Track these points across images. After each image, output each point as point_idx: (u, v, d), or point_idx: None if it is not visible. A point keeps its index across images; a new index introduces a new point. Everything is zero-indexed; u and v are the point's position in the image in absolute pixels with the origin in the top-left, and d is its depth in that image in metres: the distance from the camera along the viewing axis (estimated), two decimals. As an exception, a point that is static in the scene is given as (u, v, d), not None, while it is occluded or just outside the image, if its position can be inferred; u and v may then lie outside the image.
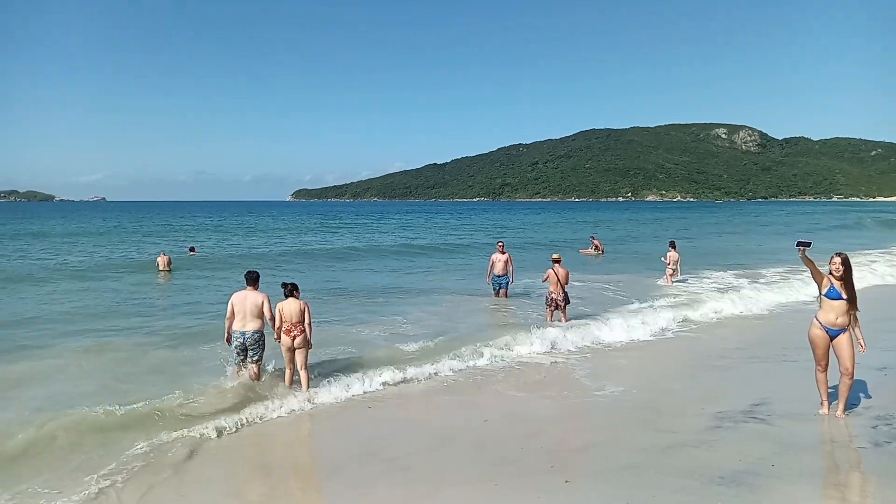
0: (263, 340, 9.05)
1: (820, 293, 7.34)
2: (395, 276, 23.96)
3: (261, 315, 8.99)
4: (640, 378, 9.95)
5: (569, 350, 11.71)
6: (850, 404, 7.57)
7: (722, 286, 19.53)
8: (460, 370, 10.35)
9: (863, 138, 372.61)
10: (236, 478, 6.63)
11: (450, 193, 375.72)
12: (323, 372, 9.63)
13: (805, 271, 9.75)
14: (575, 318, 13.74)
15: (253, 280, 9.20)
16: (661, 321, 13.79)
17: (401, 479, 6.35)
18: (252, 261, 28.09)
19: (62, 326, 13.72)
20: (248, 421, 7.94)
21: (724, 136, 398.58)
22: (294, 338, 8.92)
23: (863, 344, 7.32)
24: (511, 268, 17.06)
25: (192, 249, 31.27)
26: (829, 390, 7.60)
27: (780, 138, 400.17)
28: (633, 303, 16.00)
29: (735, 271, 23.09)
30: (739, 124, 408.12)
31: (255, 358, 9.04)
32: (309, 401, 8.67)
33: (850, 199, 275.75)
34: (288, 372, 9.17)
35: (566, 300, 13.61)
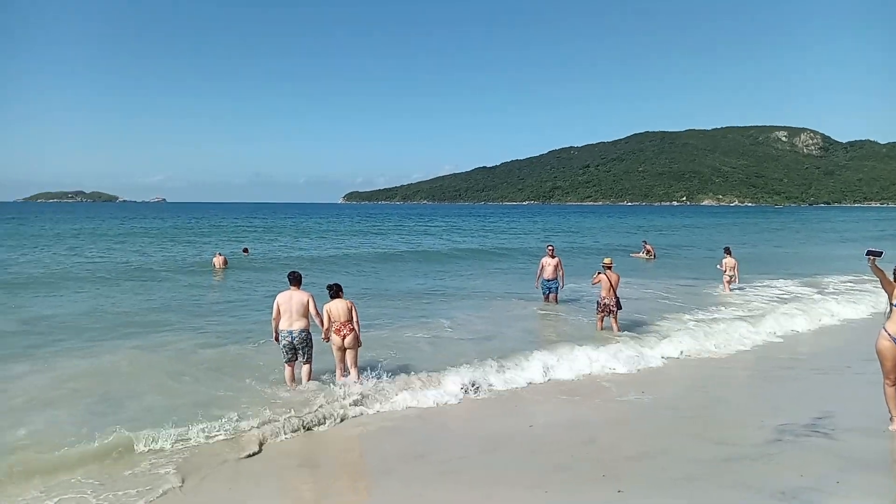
0: (311, 339, 9.23)
1: (890, 303, 7.00)
2: (441, 279, 23.97)
3: (307, 314, 9.16)
4: (696, 387, 9.71)
5: (620, 371, 10.75)
6: (923, 421, 7.18)
7: (783, 295, 18.87)
8: (506, 379, 10.02)
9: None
10: (287, 476, 6.72)
11: (499, 196, 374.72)
12: (369, 375, 9.70)
13: (873, 280, 9.32)
14: (628, 329, 13.44)
15: (296, 280, 9.35)
16: (717, 330, 13.39)
17: (451, 482, 6.34)
18: (301, 262, 28.63)
19: (119, 325, 14.12)
20: (300, 421, 8.03)
21: (784, 138, 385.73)
22: (344, 337, 9.08)
23: None
24: (561, 272, 16.86)
25: (245, 250, 32.04)
26: (900, 405, 7.22)
27: (843, 141, 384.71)
28: (689, 311, 15.61)
29: (797, 280, 22.28)
30: (801, 127, 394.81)
31: (305, 357, 9.21)
32: (357, 403, 8.70)
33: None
34: (339, 371, 9.33)
35: (618, 305, 13.35)
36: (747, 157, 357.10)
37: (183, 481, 6.29)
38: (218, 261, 26.25)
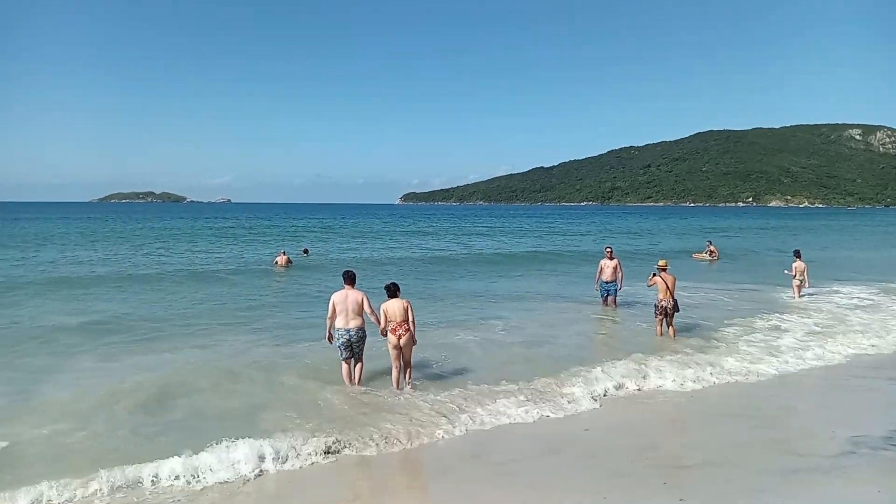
0: (365, 336, 9.42)
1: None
2: (494, 281, 23.82)
3: (361, 312, 9.31)
4: (762, 395, 9.34)
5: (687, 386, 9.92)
6: None
7: (856, 301, 17.96)
8: (557, 382, 9.72)
9: None
10: (344, 472, 6.82)
11: (556, 197, 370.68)
12: (421, 375, 9.87)
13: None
14: (689, 333, 13.05)
15: (350, 279, 9.51)
16: (785, 337, 12.89)
17: (507, 483, 6.31)
18: (358, 263, 29.13)
19: (180, 323, 14.57)
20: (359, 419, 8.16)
21: (858, 137, 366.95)
22: (400, 337, 9.18)
23: None
24: (620, 274, 16.54)
25: (305, 251, 32.73)
26: None
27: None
28: (757, 316, 15.06)
29: (872, 285, 21.15)
30: (876, 124, 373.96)
31: (359, 354, 9.43)
32: (410, 397, 8.85)
33: None
34: (395, 370, 9.39)
35: (676, 308, 13.05)
36: (818, 156, 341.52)
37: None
38: (281, 260, 26.96)
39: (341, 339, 9.28)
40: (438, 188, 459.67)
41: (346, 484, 6.57)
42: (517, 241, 50.56)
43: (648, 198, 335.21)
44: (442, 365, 10.62)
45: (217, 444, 6.83)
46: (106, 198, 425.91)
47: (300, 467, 6.78)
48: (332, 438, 7.24)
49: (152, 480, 6.25)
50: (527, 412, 8.42)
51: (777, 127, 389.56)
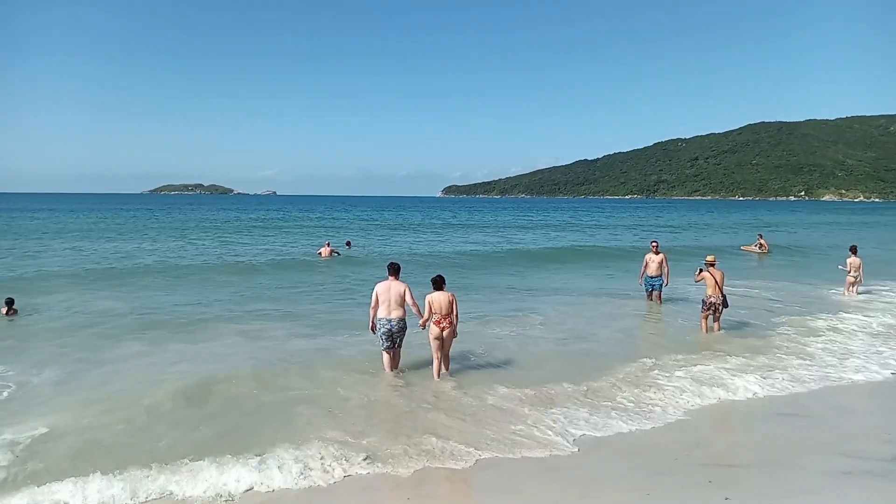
0: (406, 327, 9.61)
1: None
2: (535, 275, 23.74)
3: (403, 303, 9.49)
4: (814, 395, 9.08)
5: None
6: None
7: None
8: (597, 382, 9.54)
9: None
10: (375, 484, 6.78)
11: (600, 190, 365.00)
12: (458, 368, 9.95)
13: None
14: (737, 332, 12.76)
15: (395, 270, 9.73)
16: (853, 340, 12.45)
17: (550, 478, 6.32)
18: (399, 255, 29.19)
19: (223, 312, 15.00)
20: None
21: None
22: (443, 329, 9.33)
23: None
24: (666, 269, 16.26)
25: (348, 243, 33.12)
26: None
27: None
28: (815, 316, 14.59)
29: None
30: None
31: (398, 344, 9.61)
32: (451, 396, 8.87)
33: None
34: (435, 361, 9.53)
35: (725, 303, 12.79)
36: (876, 148, 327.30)
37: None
38: (325, 251, 27.40)
39: (383, 329, 9.49)
40: (480, 181, 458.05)
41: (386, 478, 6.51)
42: (558, 234, 50.12)
43: (695, 191, 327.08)
44: (480, 359, 10.62)
45: (261, 455, 6.55)
46: (157, 189, 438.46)
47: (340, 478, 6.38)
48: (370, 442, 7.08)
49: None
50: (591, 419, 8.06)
51: (832, 118, 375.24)
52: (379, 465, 6.53)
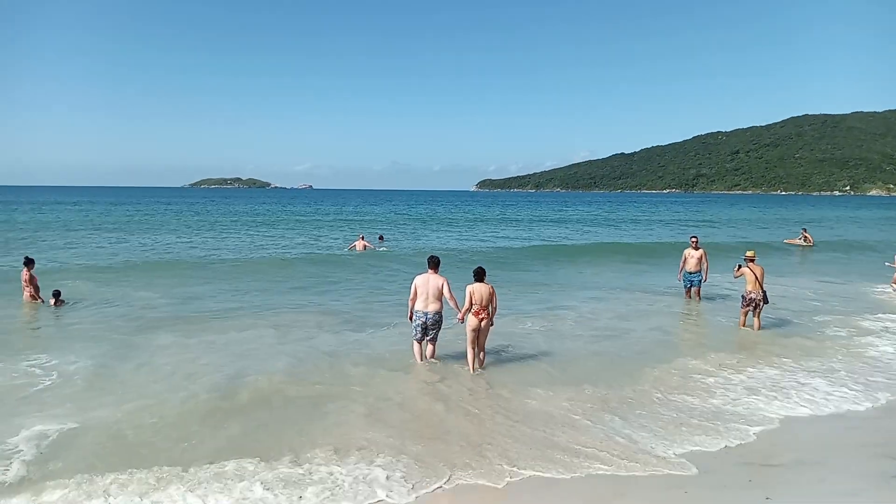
0: (442, 321, 9.70)
1: None
2: (568, 269, 23.50)
3: (441, 297, 9.54)
4: (861, 395, 8.76)
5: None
6: None
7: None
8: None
9: None
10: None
11: (637, 184, 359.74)
12: (491, 363, 9.89)
13: None
14: (776, 330, 12.40)
15: (434, 264, 9.78)
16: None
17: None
18: (433, 250, 29.18)
19: (255, 304, 15.18)
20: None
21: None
22: (482, 320, 9.36)
23: None
24: (705, 265, 15.92)
25: (380, 237, 33.30)
26: None
27: None
28: (862, 316, 14.04)
29: None
30: None
31: (432, 336, 9.69)
32: (482, 389, 8.82)
33: None
34: (470, 353, 9.51)
35: (765, 299, 12.53)
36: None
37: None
38: (359, 244, 27.55)
39: (418, 321, 9.60)
40: (515, 175, 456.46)
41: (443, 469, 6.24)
42: (592, 229, 49.64)
43: (736, 185, 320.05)
44: (510, 353, 10.54)
45: (296, 461, 6.26)
46: (197, 183, 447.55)
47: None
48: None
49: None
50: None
51: (880, 110, 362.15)
52: (426, 478, 5.98)
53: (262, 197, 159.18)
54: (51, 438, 6.72)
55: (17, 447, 6.45)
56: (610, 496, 5.75)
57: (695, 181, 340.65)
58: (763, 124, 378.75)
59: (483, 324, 9.38)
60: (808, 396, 8.59)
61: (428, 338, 9.70)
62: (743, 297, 12.76)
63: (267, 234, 39.57)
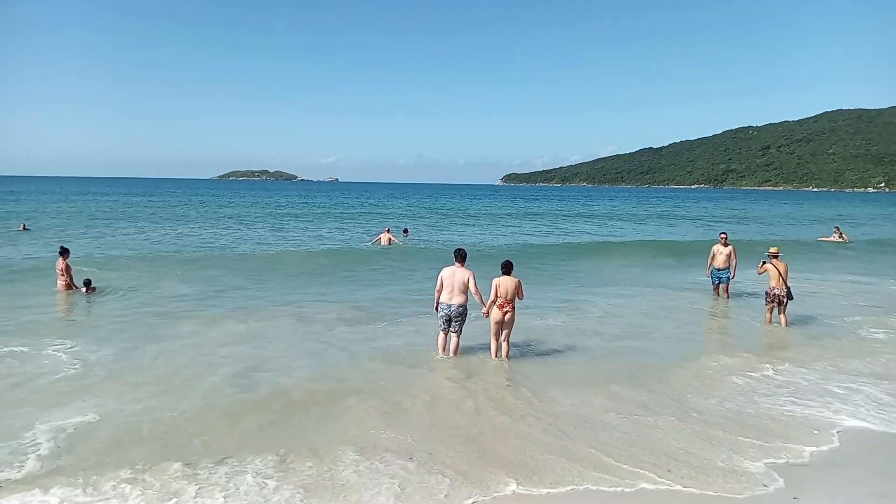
0: (466, 313, 9.74)
1: None
2: (592, 264, 23.21)
3: (466, 290, 9.58)
4: (891, 393, 8.55)
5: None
6: None
7: None
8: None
9: None
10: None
11: (665, 179, 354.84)
12: (514, 355, 9.86)
13: None
14: (804, 327, 12.16)
15: (461, 257, 9.83)
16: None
17: (601, 468, 6.16)
18: (456, 244, 29.15)
19: (279, 296, 15.32)
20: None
21: None
22: (506, 313, 9.44)
23: None
24: (734, 262, 15.69)
25: (405, 231, 33.39)
26: None
27: None
28: (892, 316, 13.67)
29: None
30: None
31: (456, 329, 9.72)
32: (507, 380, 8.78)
33: None
34: (493, 343, 9.72)
35: (789, 296, 12.44)
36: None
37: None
38: (384, 237, 27.60)
39: (442, 313, 9.69)
40: (540, 169, 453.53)
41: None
42: (617, 224, 49.16)
43: (766, 181, 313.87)
44: (534, 348, 10.44)
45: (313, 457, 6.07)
46: (225, 175, 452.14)
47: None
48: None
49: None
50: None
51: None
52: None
53: (289, 189, 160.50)
54: (68, 431, 6.64)
55: (34, 440, 6.42)
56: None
57: (724, 176, 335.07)
58: (795, 119, 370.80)
59: (507, 317, 9.45)
60: (863, 402, 8.10)
61: (452, 330, 9.72)
62: (767, 293, 12.74)
63: (292, 226, 39.89)
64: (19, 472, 5.75)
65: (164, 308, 13.48)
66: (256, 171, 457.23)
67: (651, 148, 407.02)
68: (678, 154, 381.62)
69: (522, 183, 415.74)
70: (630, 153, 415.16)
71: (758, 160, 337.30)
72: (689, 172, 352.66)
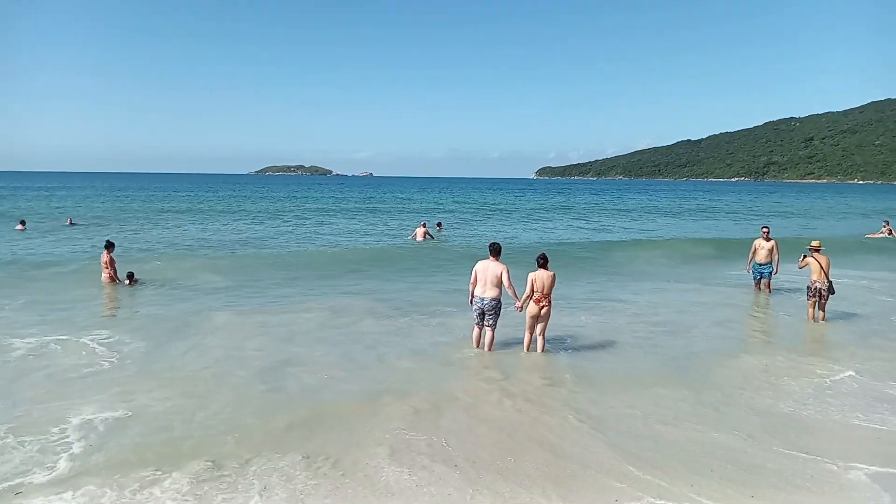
0: (500, 307, 9.65)
1: None
2: (626, 259, 22.77)
3: (500, 284, 9.54)
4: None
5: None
6: None
7: None
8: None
9: None
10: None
11: (704, 172, 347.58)
12: (550, 349, 9.71)
13: None
14: (845, 323, 11.75)
15: (496, 251, 9.78)
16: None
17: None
18: (489, 238, 28.98)
19: (312, 287, 15.56)
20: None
21: None
22: (542, 308, 9.36)
23: None
24: (776, 257, 15.28)
25: (438, 225, 33.38)
26: None
27: None
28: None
29: None
30: None
31: (490, 323, 9.67)
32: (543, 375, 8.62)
33: None
34: (527, 337, 9.70)
35: (830, 290, 12.14)
36: None
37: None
38: (420, 232, 27.59)
39: (475, 306, 9.71)
40: (575, 162, 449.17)
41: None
42: (653, 218, 48.32)
43: (809, 174, 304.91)
44: (568, 351, 10.17)
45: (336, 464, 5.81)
46: (261, 171, 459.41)
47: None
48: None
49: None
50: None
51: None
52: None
53: (324, 184, 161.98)
54: (99, 430, 6.58)
55: (66, 437, 6.40)
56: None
57: (765, 169, 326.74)
58: (840, 109, 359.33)
59: (543, 311, 9.42)
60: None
61: (486, 324, 9.68)
62: (808, 287, 12.43)
63: (326, 221, 40.23)
64: (51, 472, 5.68)
65: (199, 301, 13.72)
66: (292, 167, 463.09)
67: (689, 140, 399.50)
68: (717, 146, 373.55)
69: (557, 177, 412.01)
70: (668, 146, 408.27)
71: (800, 152, 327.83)
72: (728, 165, 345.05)
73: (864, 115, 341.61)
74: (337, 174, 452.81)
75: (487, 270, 9.61)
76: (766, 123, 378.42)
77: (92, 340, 10.02)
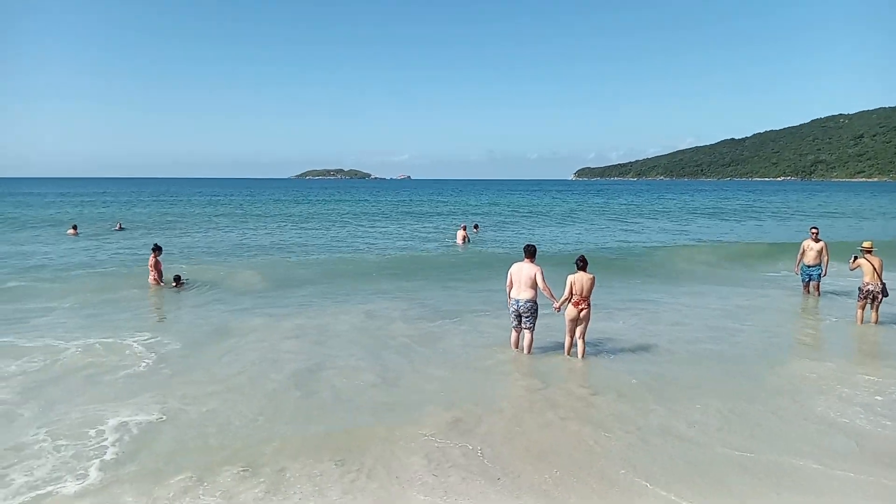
0: (536, 309, 9.57)
1: None
2: (667, 261, 22.25)
3: (534, 286, 9.48)
4: None
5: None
6: None
7: None
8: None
9: None
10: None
11: (748, 172, 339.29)
12: (590, 353, 9.47)
13: None
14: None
15: (530, 253, 9.75)
16: None
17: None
18: (525, 240, 28.72)
19: (349, 289, 15.70)
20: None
21: None
22: (581, 310, 9.26)
23: None
24: (826, 258, 14.76)
25: (475, 227, 33.33)
26: None
27: None
28: None
29: None
30: None
31: (528, 325, 9.61)
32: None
33: None
34: (568, 340, 9.59)
35: (885, 292, 11.70)
36: None
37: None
38: (460, 235, 27.50)
39: (511, 308, 9.69)
40: (615, 163, 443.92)
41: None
42: (693, 219, 47.27)
43: (859, 172, 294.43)
44: (609, 357, 9.92)
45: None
46: (302, 174, 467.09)
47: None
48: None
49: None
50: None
51: None
52: None
53: (362, 187, 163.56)
54: (132, 434, 6.62)
55: (102, 441, 6.46)
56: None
57: (813, 168, 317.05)
58: (892, 105, 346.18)
59: (583, 314, 9.32)
60: None
61: (524, 326, 9.62)
62: (860, 289, 11.98)
63: (364, 224, 40.51)
64: (85, 478, 5.70)
65: (238, 303, 13.99)
66: (332, 171, 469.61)
67: (733, 139, 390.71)
68: (762, 145, 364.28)
69: (596, 178, 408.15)
70: (710, 145, 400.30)
71: (850, 150, 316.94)
72: (774, 164, 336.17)
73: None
74: (375, 177, 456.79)
75: (522, 272, 9.58)
76: (812, 121, 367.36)
77: (135, 342, 10.30)
